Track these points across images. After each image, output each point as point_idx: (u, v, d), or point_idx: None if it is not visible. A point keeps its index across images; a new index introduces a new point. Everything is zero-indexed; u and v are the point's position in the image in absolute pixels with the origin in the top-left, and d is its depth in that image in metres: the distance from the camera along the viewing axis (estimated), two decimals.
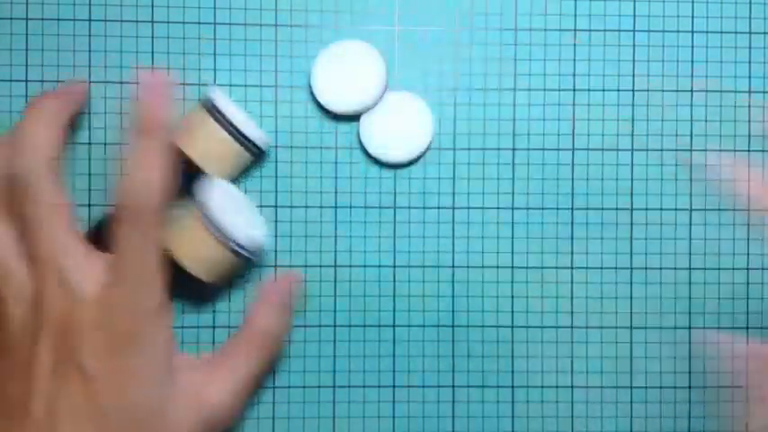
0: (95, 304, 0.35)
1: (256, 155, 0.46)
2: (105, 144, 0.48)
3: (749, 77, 0.50)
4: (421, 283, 0.49)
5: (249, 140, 0.45)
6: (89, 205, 0.46)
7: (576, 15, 0.50)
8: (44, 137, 0.38)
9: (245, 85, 0.49)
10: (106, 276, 0.35)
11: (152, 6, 0.48)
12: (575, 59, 0.49)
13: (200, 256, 0.42)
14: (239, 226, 0.43)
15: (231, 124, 0.44)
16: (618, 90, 0.50)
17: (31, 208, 0.37)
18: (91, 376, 0.34)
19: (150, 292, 0.36)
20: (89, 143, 0.48)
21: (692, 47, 0.50)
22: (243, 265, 0.47)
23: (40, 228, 0.36)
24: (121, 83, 0.48)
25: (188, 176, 0.45)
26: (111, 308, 0.35)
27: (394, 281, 0.49)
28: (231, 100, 0.46)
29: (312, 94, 0.49)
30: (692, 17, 0.50)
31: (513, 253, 0.49)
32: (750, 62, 0.50)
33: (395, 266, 0.49)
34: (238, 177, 0.48)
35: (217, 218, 0.42)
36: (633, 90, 0.50)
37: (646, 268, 0.49)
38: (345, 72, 0.48)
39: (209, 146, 0.45)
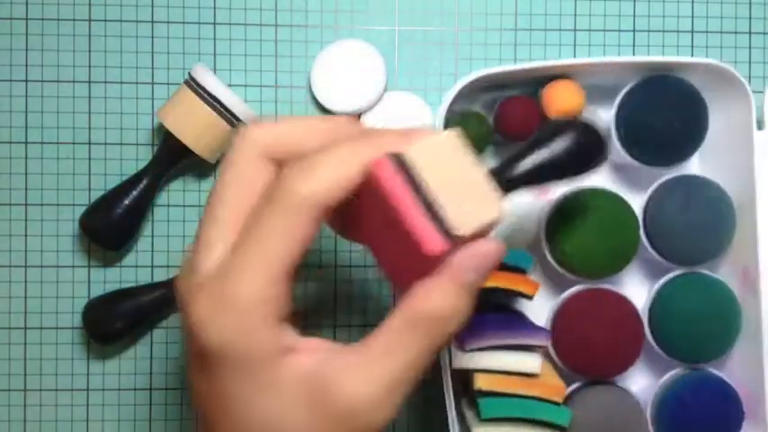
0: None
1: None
2: (105, 144, 0.48)
3: (749, 77, 0.50)
4: None
5: (231, 113, 0.45)
6: (89, 205, 0.46)
7: (575, 15, 0.50)
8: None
9: (245, 85, 0.49)
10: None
11: (152, 6, 0.48)
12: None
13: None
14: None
15: (211, 96, 0.44)
16: None
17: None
18: (191, 384, 0.31)
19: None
20: (89, 143, 0.48)
21: (692, 47, 0.50)
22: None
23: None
24: (121, 83, 0.48)
25: (176, 152, 0.46)
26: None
27: None
28: (213, 74, 0.46)
29: (312, 94, 0.49)
30: (692, 17, 0.50)
31: None
32: (750, 62, 0.50)
33: None
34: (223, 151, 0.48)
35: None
36: None
37: None
38: (345, 72, 0.48)
39: (190, 119, 0.45)
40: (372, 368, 0.29)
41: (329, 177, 0.28)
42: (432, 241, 0.27)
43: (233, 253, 0.29)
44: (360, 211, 0.31)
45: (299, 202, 0.28)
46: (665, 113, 0.43)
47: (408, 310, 0.30)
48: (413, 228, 0.27)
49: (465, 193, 0.28)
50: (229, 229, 0.30)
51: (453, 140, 0.28)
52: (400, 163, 0.27)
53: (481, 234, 0.29)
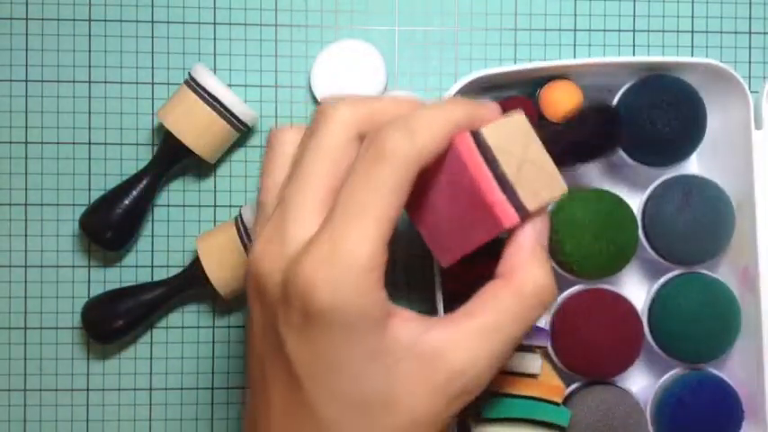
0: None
1: (240, 129, 0.46)
2: (105, 144, 0.48)
3: (749, 77, 0.50)
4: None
5: (231, 113, 0.45)
6: (89, 205, 0.46)
7: (575, 15, 0.50)
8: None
9: (245, 85, 0.49)
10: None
11: (152, 6, 0.48)
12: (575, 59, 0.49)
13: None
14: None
15: (211, 96, 0.44)
16: None
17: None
18: (288, 352, 0.29)
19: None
20: (89, 143, 0.48)
21: (692, 47, 0.50)
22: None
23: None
24: (121, 83, 0.48)
25: (176, 153, 0.46)
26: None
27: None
28: (213, 74, 0.46)
29: (312, 94, 0.49)
30: (692, 17, 0.50)
31: None
32: (750, 62, 0.50)
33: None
34: (223, 151, 0.48)
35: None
36: None
37: None
38: (345, 72, 0.48)
39: (190, 119, 0.45)
40: (483, 343, 0.29)
41: (430, 136, 0.29)
42: (507, 215, 0.29)
43: (338, 216, 0.28)
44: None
45: (405, 160, 0.28)
46: (663, 113, 0.43)
47: (517, 286, 0.30)
48: (491, 201, 0.29)
49: (532, 171, 0.30)
50: (321, 201, 0.29)
51: (521, 122, 0.30)
52: (477, 139, 0.29)
53: (540, 210, 0.30)
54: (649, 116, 0.43)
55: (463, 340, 0.29)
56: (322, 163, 0.30)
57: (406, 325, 0.29)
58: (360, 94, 0.31)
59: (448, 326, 0.29)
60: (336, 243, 0.27)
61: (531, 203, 0.29)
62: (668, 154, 0.44)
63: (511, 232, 0.31)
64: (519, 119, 0.30)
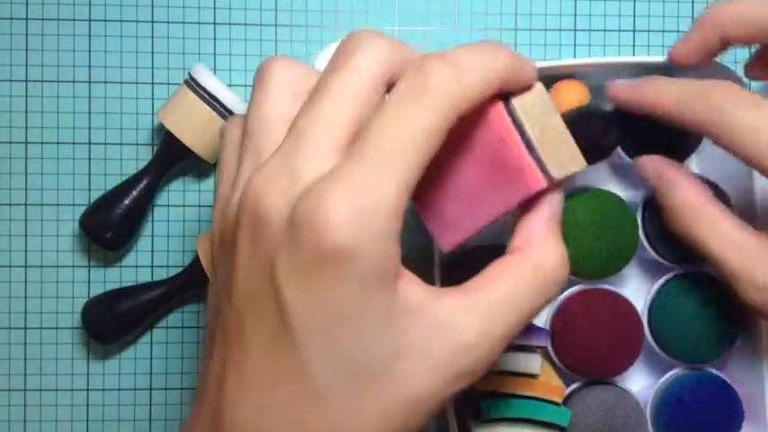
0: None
1: None
2: (105, 144, 0.48)
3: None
4: None
5: (231, 113, 0.45)
6: (89, 205, 0.46)
7: (575, 15, 0.50)
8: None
9: (245, 86, 0.49)
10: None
11: (152, 6, 0.49)
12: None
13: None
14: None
15: (211, 96, 0.44)
16: None
17: None
18: (284, 302, 0.25)
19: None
20: (89, 143, 0.48)
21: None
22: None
23: None
24: (121, 83, 0.48)
25: (176, 153, 0.46)
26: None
27: None
28: (213, 74, 0.46)
29: None
30: (692, 17, 0.50)
31: None
32: None
33: None
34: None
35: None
36: None
37: None
38: None
39: (190, 119, 0.45)
40: (496, 317, 0.27)
41: (479, 79, 0.26)
42: (537, 179, 0.28)
43: (369, 152, 0.25)
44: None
45: (450, 100, 0.25)
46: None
47: (535, 259, 0.28)
48: (524, 164, 0.28)
49: (556, 141, 0.29)
50: (339, 141, 0.26)
51: (543, 91, 0.29)
52: (507, 106, 0.29)
53: (557, 185, 0.30)
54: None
55: (476, 313, 0.26)
56: (346, 102, 0.26)
57: (416, 289, 0.26)
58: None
59: (459, 296, 0.27)
60: (364, 181, 0.24)
61: (556, 172, 0.29)
62: (669, 154, 0.44)
63: (523, 210, 0.30)
64: (540, 88, 0.30)
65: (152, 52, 0.49)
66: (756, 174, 0.44)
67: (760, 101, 0.33)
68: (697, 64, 0.39)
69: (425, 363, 0.26)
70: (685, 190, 0.37)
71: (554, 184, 0.29)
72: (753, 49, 0.49)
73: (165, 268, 0.48)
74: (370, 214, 0.24)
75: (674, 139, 0.43)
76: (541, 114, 0.29)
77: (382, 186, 0.24)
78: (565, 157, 0.29)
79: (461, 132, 0.29)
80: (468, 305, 0.27)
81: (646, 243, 0.44)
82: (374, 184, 0.24)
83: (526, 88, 0.29)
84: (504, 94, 0.29)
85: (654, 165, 0.39)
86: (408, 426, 0.26)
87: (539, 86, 0.30)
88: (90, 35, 0.48)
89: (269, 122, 0.28)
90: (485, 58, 0.27)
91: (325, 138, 0.26)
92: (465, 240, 0.30)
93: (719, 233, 0.35)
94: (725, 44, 0.37)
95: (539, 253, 0.28)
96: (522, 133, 0.28)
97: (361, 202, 0.24)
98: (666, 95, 0.36)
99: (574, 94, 0.44)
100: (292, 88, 0.28)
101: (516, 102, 0.29)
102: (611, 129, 0.40)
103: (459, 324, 0.26)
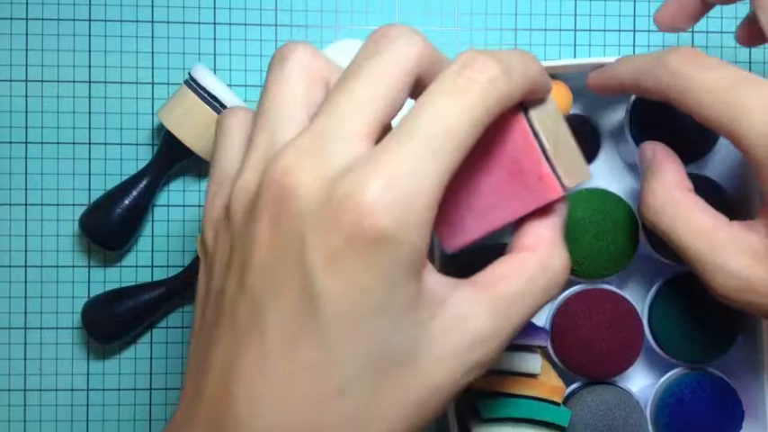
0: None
1: None
2: (105, 144, 0.48)
3: None
4: None
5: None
6: (89, 205, 0.46)
7: (575, 15, 0.50)
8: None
9: (245, 86, 0.49)
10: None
11: (152, 6, 0.49)
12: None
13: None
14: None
15: (211, 96, 0.45)
16: None
17: None
18: (314, 284, 0.24)
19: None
20: (89, 143, 0.48)
21: (693, 47, 0.50)
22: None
23: None
24: (121, 83, 0.48)
25: (176, 152, 0.46)
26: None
27: None
28: (213, 74, 0.46)
29: None
30: None
31: None
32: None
33: None
34: None
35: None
36: None
37: None
38: None
39: (190, 119, 0.45)
40: (508, 311, 0.27)
41: (522, 80, 0.27)
42: (555, 187, 0.29)
43: (417, 138, 0.24)
44: None
45: (497, 97, 0.26)
46: (679, 112, 0.43)
47: (544, 259, 0.29)
48: (544, 172, 0.29)
49: (566, 150, 0.29)
50: (370, 128, 0.25)
51: (554, 104, 0.30)
52: (526, 114, 0.29)
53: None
54: (665, 116, 0.42)
55: (491, 306, 0.27)
56: (383, 87, 0.26)
57: (437, 279, 0.26)
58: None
59: (475, 289, 0.27)
60: (408, 167, 0.24)
61: (568, 182, 0.29)
62: (684, 155, 0.43)
63: (529, 214, 0.30)
64: (552, 98, 0.30)
65: (152, 52, 0.49)
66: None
67: (718, 62, 0.33)
68: (681, 27, 0.39)
69: (445, 352, 0.26)
70: (666, 176, 0.37)
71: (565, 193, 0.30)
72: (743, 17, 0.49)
73: (165, 268, 0.48)
74: (413, 202, 0.24)
75: (687, 142, 0.43)
76: (554, 124, 0.29)
77: (425, 175, 0.24)
78: (574, 166, 0.30)
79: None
80: (483, 299, 0.27)
81: (647, 243, 0.44)
82: (418, 172, 0.24)
83: (542, 98, 0.29)
84: (522, 103, 0.29)
85: (652, 148, 0.39)
86: (423, 416, 0.26)
87: (551, 97, 0.30)
88: (90, 35, 0.48)
89: (287, 103, 0.27)
90: (525, 64, 0.27)
91: (361, 120, 0.25)
92: (470, 243, 0.31)
93: (691, 222, 0.35)
94: (707, 4, 0.38)
95: (548, 255, 0.29)
96: (539, 142, 0.29)
97: (405, 189, 0.24)
98: (626, 68, 0.36)
99: (559, 97, 0.44)
100: (312, 75, 0.28)
101: (533, 111, 0.29)
102: (597, 135, 0.40)
103: (476, 316, 0.26)
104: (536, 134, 0.29)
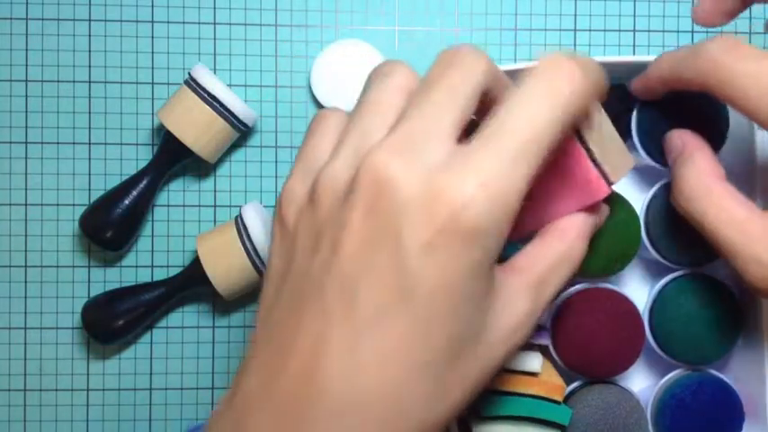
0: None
1: (240, 129, 0.46)
2: (105, 144, 0.48)
3: None
4: None
5: (231, 113, 0.45)
6: (89, 205, 0.46)
7: (575, 15, 0.50)
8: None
9: (245, 86, 0.49)
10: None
11: (152, 6, 0.49)
12: None
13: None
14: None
15: (211, 96, 0.45)
16: None
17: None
18: (410, 268, 0.26)
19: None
20: (89, 143, 0.48)
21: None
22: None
23: None
24: (121, 83, 0.48)
25: (176, 152, 0.46)
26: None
27: None
28: (213, 74, 0.46)
29: (312, 94, 0.49)
30: None
31: None
32: None
33: None
34: (223, 151, 0.48)
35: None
36: None
37: None
38: (345, 72, 0.48)
39: (190, 119, 0.45)
40: (539, 295, 0.30)
41: (597, 89, 0.28)
42: (602, 188, 0.30)
43: (510, 139, 0.26)
44: None
45: (579, 103, 0.27)
46: (686, 115, 0.42)
47: (567, 248, 0.31)
48: (589, 174, 0.30)
49: (611, 146, 0.30)
50: (456, 130, 0.27)
51: (597, 102, 0.31)
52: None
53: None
54: (672, 118, 0.42)
55: (529, 290, 0.29)
56: (462, 96, 0.28)
57: (496, 267, 0.29)
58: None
59: (516, 274, 0.30)
60: (500, 166, 0.26)
61: (614, 177, 0.30)
62: None
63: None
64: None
65: (152, 52, 0.49)
66: (758, 172, 0.44)
67: (759, 52, 0.33)
68: (719, 23, 0.40)
69: (497, 336, 0.28)
70: (699, 164, 0.37)
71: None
72: None
73: (165, 268, 0.48)
74: (503, 198, 0.26)
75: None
76: (598, 123, 0.30)
77: (516, 175, 0.26)
78: (618, 160, 0.30)
79: None
80: (523, 283, 0.29)
81: (648, 244, 0.44)
82: (510, 173, 0.26)
83: None
84: None
85: (680, 135, 0.39)
86: (473, 396, 0.29)
87: None
88: (90, 35, 0.48)
89: (383, 110, 0.29)
90: (598, 71, 0.29)
91: (446, 121, 0.27)
92: (522, 237, 0.32)
93: (723, 211, 0.35)
94: (745, 2, 0.38)
95: (571, 246, 0.31)
96: (585, 142, 0.30)
97: (497, 188, 0.26)
98: (666, 62, 0.37)
99: None
100: (407, 88, 0.30)
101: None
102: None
103: (519, 300, 0.29)
104: (582, 139, 0.30)
